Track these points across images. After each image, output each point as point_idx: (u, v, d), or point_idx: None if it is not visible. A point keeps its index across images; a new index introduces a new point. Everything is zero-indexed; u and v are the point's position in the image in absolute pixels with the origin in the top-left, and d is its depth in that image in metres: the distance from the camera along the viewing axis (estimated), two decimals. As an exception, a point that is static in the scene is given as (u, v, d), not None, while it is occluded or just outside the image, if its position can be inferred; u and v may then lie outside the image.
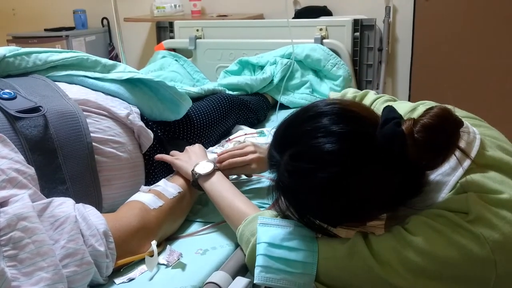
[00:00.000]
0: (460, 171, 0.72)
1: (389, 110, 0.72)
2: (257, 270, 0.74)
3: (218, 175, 0.98)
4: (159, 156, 1.10)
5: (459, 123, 0.68)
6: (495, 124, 0.83)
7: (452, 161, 0.71)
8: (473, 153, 0.73)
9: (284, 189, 0.76)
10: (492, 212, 0.67)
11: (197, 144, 1.10)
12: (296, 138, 0.73)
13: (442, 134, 0.67)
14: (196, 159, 1.02)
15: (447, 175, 0.73)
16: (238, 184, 1.16)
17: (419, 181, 0.74)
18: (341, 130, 0.70)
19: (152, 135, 1.10)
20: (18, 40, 3.25)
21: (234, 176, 1.18)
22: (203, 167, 0.98)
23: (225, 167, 1.07)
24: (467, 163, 0.72)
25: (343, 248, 0.73)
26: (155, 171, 1.12)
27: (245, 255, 0.83)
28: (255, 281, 0.74)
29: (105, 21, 3.69)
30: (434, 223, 0.69)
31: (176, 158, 1.07)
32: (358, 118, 0.72)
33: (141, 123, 1.09)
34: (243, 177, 1.20)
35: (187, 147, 1.09)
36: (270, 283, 0.73)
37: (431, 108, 0.69)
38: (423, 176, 0.75)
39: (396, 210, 0.78)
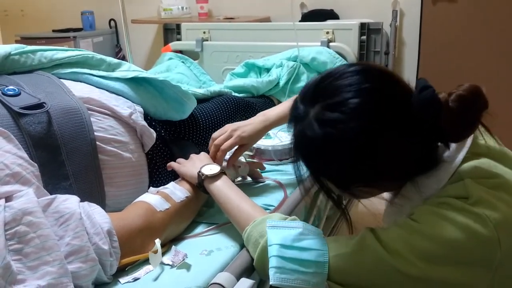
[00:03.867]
0: (458, 159, 0.75)
1: (425, 80, 0.75)
2: (271, 272, 0.75)
3: (225, 178, 0.97)
4: (168, 164, 1.10)
5: (486, 103, 0.72)
6: (502, 128, 0.84)
7: (451, 150, 0.76)
8: (468, 143, 0.76)
9: (306, 144, 0.76)
10: (490, 194, 0.70)
11: (202, 152, 1.10)
12: (330, 91, 0.74)
13: (473, 107, 0.71)
14: (201, 164, 1.02)
15: (448, 163, 0.76)
16: (243, 186, 1.16)
17: (435, 155, 0.77)
18: (380, 87, 0.73)
19: (154, 134, 1.10)
20: (27, 40, 3.27)
21: (239, 178, 1.18)
22: (210, 169, 0.98)
23: (220, 157, 1.07)
24: (463, 153, 0.75)
25: (352, 244, 0.74)
26: (158, 170, 1.13)
27: (251, 256, 0.83)
28: (271, 283, 0.74)
29: (112, 23, 3.71)
30: (438, 209, 0.71)
31: (182, 165, 1.07)
32: (396, 81, 0.75)
33: (144, 123, 1.09)
34: (249, 179, 1.20)
35: (192, 155, 1.08)
36: (286, 284, 0.74)
37: (462, 85, 0.73)
38: (437, 150, 0.77)
39: (404, 184, 0.79)
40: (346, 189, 0.79)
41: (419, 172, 0.77)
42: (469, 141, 0.76)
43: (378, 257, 0.71)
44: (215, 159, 1.07)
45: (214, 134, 1.10)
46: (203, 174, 0.97)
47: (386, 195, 0.95)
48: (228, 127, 1.10)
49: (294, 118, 0.79)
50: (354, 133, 0.71)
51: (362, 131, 0.71)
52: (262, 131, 1.11)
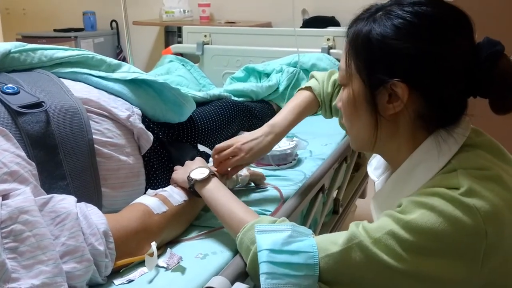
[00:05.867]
0: (455, 148, 0.76)
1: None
2: (262, 278, 0.74)
3: (215, 181, 0.97)
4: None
5: None
6: (504, 132, 0.86)
7: (449, 142, 0.76)
8: (466, 133, 0.77)
9: (370, 30, 0.77)
10: (482, 185, 0.70)
11: (197, 157, 1.09)
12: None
13: None
14: (191, 168, 1.01)
15: (444, 152, 0.76)
16: (244, 192, 1.15)
17: (461, 111, 0.78)
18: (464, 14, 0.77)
19: (152, 137, 1.10)
20: (28, 39, 3.28)
21: (241, 184, 1.18)
22: (199, 173, 0.97)
23: (223, 172, 1.06)
24: (461, 140, 0.76)
25: (341, 243, 0.73)
26: (156, 172, 1.12)
27: (245, 262, 0.83)
28: None
29: (114, 24, 3.72)
30: (427, 200, 0.70)
31: (174, 172, 1.06)
32: None
33: (141, 125, 1.09)
34: (252, 184, 1.20)
35: (187, 162, 1.07)
36: None
37: None
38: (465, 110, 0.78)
39: (427, 123, 0.78)
40: (383, 82, 0.76)
41: (442, 121, 0.77)
42: (467, 131, 0.77)
43: (367, 254, 0.71)
44: (218, 172, 1.06)
45: (218, 146, 1.08)
46: (192, 179, 0.97)
47: (377, 185, 0.94)
48: (235, 142, 1.07)
49: (365, 12, 0.80)
50: (432, 18, 0.74)
51: (440, 20, 0.74)
52: (270, 146, 1.09)
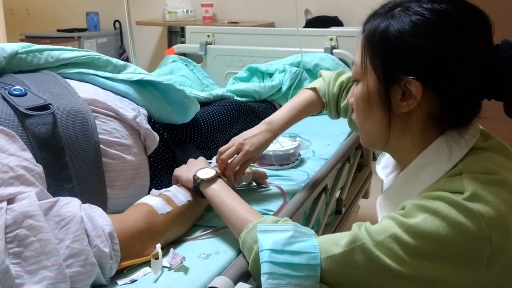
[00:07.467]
0: (464, 150, 0.75)
1: None
2: (263, 278, 0.74)
3: (220, 182, 0.97)
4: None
5: None
6: (505, 135, 0.85)
7: (460, 144, 0.75)
8: (477, 135, 0.76)
9: (390, 24, 0.76)
10: (487, 190, 0.69)
11: (200, 157, 1.10)
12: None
13: None
14: (197, 168, 1.01)
15: (454, 153, 0.75)
16: (245, 191, 1.16)
17: (474, 112, 0.77)
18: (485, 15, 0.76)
19: (158, 138, 1.11)
20: (31, 39, 3.28)
21: (244, 183, 1.18)
22: (205, 173, 0.98)
23: (229, 174, 1.06)
24: (471, 143, 0.75)
25: (343, 244, 0.73)
26: (160, 173, 1.13)
27: (247, 262, 0.83)
28: None
29: (117, 24, 3.73)
30: (431, 203, 0.70)
31: (177, 169, 1.06)
32: None
33: (148, 126, 1.09)
34: (253, 183, 1.20)
35: (190, 159, 1.08)
36: None
37: None
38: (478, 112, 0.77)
39: (441, 123, 0.77)
40: (397, 79, 0.75)
41: (455, 121, 0.76)
42: (477, 134, 0.77)
43: (369, 257, 0.70)
44: (224, 175, 1.06)
45: (221, 148, 1.09)
46: (198, 178, 0.97)
47: (385, 184, 0.93)
48: (235, 140, 1.08)
49: (382, 7, 0.79)
50: (451, 17, 0.73)
51: (459, 19, 0.73)
52: (269, 142, 1.10)
